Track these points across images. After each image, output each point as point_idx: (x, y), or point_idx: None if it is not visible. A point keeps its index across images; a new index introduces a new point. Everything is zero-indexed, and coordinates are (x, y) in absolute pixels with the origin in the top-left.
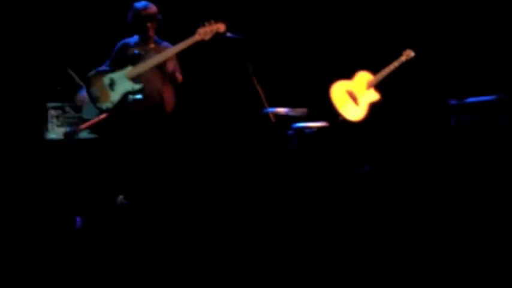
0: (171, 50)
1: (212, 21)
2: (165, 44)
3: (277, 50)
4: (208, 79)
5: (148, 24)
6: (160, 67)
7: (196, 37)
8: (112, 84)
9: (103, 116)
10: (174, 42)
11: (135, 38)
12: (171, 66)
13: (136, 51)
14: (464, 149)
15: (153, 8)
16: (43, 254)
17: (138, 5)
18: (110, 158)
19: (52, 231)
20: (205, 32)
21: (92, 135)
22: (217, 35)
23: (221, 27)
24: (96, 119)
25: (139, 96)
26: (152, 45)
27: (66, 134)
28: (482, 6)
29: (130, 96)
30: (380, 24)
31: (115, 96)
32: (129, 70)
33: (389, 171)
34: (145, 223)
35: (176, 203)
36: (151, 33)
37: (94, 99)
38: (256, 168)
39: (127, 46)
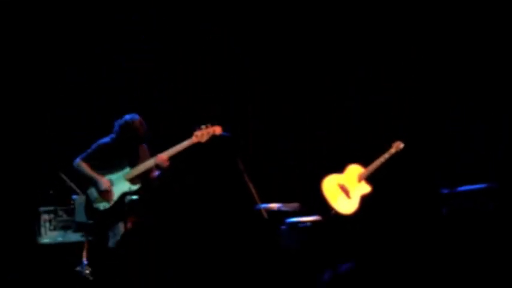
0: (168, 152)
1: (209, 125)
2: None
3: (268, 146)
4: (199, 176)
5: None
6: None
7: (193, 139)
8: (110, 185)
9: None
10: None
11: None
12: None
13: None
14: (457, 239)
15: (142, 123)
16: None
17: (129, 120)
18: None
19: None
20: (202, 134)
21: (84, 238)
22: (212, 137)
23: (217, 130)
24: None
25: (135, 197)
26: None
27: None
28: (469, 96)
29: (128, 197)
30: (369, 118)
31: (113, 196)
32: (128, 171)
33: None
34: None
35: None
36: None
37: (92, 200)
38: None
39: (109, 147)
